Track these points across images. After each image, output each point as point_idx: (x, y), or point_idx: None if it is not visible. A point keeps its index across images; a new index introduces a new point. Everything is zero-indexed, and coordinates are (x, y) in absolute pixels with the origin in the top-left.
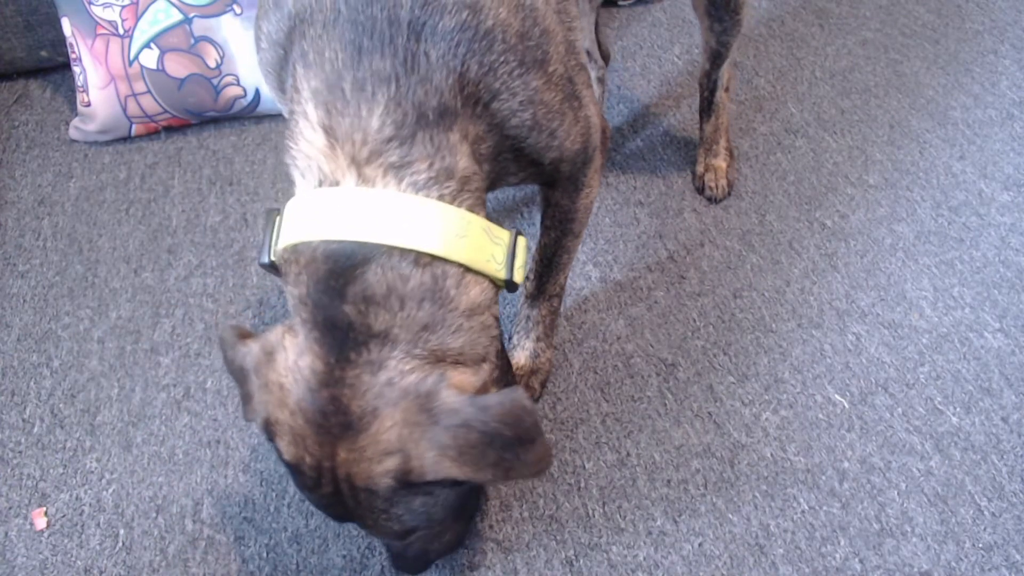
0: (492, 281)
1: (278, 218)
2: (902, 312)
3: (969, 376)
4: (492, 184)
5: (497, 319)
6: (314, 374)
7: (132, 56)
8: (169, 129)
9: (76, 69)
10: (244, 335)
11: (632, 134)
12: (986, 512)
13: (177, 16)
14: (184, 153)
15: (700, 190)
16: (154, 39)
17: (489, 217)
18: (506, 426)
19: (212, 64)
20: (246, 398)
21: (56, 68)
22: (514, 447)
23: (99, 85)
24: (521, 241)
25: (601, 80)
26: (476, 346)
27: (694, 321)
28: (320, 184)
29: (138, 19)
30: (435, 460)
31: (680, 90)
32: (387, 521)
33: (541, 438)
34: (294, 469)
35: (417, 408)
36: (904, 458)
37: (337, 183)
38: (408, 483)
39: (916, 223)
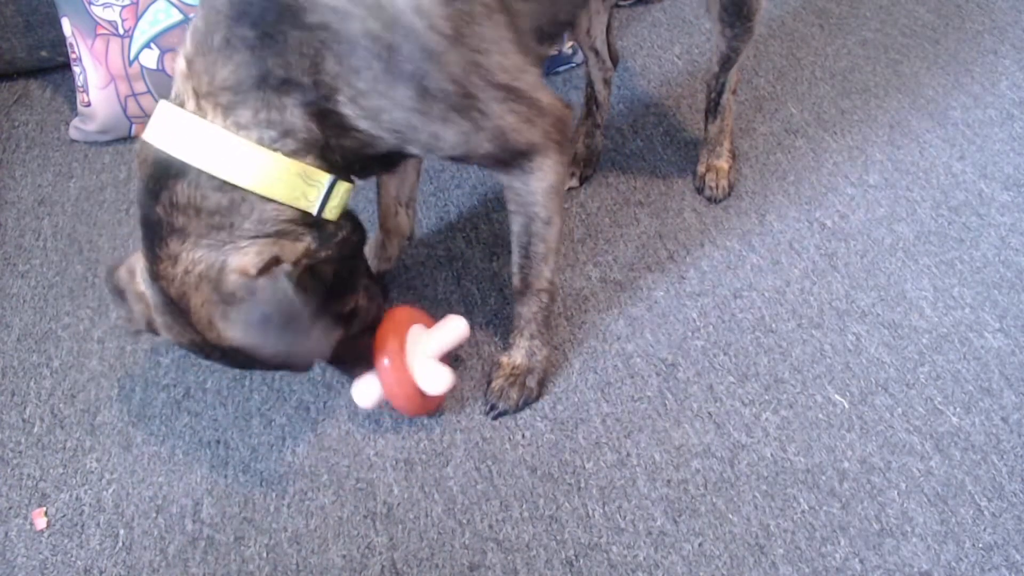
0: (297, 209)
1: None
2: (902, 312)
3: (969, 376)
4: (407, 156)
5: (309, 226)
6: (144, 272)
7: (132, 56)
8: None
9: (76, 69)
10: (117, 264)
11: (632, 134)
12: (986, 512)
13: (177, 16)
14: None
15: (700, 190)
16: (154, 39)
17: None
18: (272, 308)
19: None
20: (128, 318)
21: (56, 68)
22: (287, 330)
23: (99, 85)
24: (341, 185)
25: (608, 82)
26: (270, 240)
27: (694, 321)
28: (175, 99)
29: (138, 19)
30: (231, 334)
31: (680, 90)
32: (253, 366)
33: (316, 324)
34: (182, 348)
35: (211, 289)
36: (904, 458)
37: (183, 104)
38: (235, 350)
39: (916, 223)
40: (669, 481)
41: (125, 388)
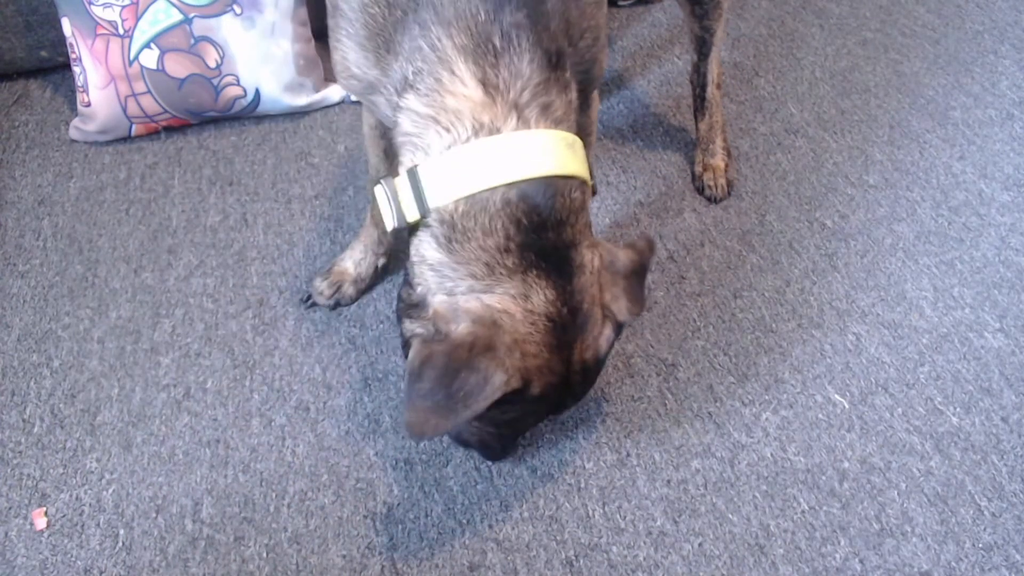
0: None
1: (405, 180)
2: (902, 312)
3: (969, 376)
4: None
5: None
6: (551, 303)
7: (132, 56)
8: (169, 129)
9: (76, 69)
10: (430, 338)
11: (632, 134)
12: (986, 512)
13: (177, 16)
14: (184, 153)
15: (700, 190)
16: (154, 39)
17: None
18: (643, 264)
19: (212, 64)
20: (478, 383)
21: (56, 68)
22: (643, 277)
23: (99, 85)
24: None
25: None
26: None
27: (694, 321)
28: (476, 135)
29: (138, 19)
30: (629, 306)
31: (680, 90)
32: (598, 375)
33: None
34: (536, 400)
35: (610, 274)
36: (904, 458)
37: (498, 130)
38: (619, 332)
39: (916, 223)
40: (669, 481)
41: (125, 388)
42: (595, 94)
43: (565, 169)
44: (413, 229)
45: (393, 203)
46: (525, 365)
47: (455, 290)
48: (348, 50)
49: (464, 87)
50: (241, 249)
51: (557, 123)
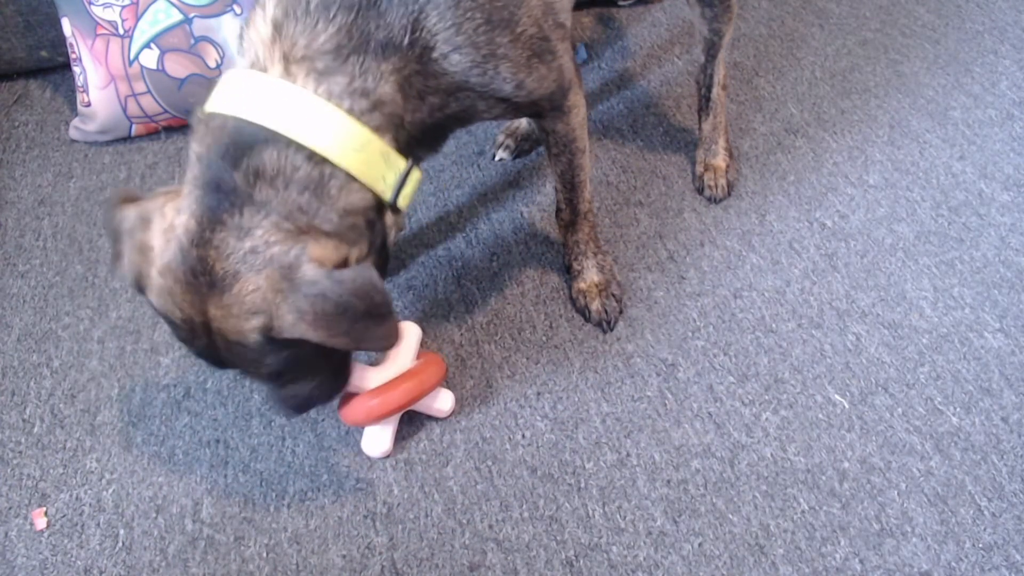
0: (376, 196)
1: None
2: (902, 312)
3: (969, 376)
4: (460, 118)
5: (371, 225)
6: (187, 233)
7: (132, 56)
8: (169, 129)
9: (76, 69)
10: (128, 199)
11: (632, 134)
12: (986, 512)
13: (177, 16)
14: (184, 153)
15: (700, 190)
16: (154, 39)
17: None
18: (358, 299)
19: (212, 64)
20: (116, 257)
21: (56, 68)
22: (364, 319)
23: (99, 85)
24: (415, 173)
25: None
26: (344, 239)
27: (694, 321)
28: (252, 66)
29: (138, 19)
30: (294, 322)
31: (680, 90)
32: (259, 367)
33: (391, 315)
34: (167, 321)
35: (280, 276)
36: (904, 458)
37: (265, 70)
38: (272, 339)
39: (916, 223)
40: (669, 481)
41: (125, 388)
42: (572, 101)
43: (298, 134)
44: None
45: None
46: (147, 271)
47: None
48: None
49: (262, 24)
50: None
51: (330, 95)
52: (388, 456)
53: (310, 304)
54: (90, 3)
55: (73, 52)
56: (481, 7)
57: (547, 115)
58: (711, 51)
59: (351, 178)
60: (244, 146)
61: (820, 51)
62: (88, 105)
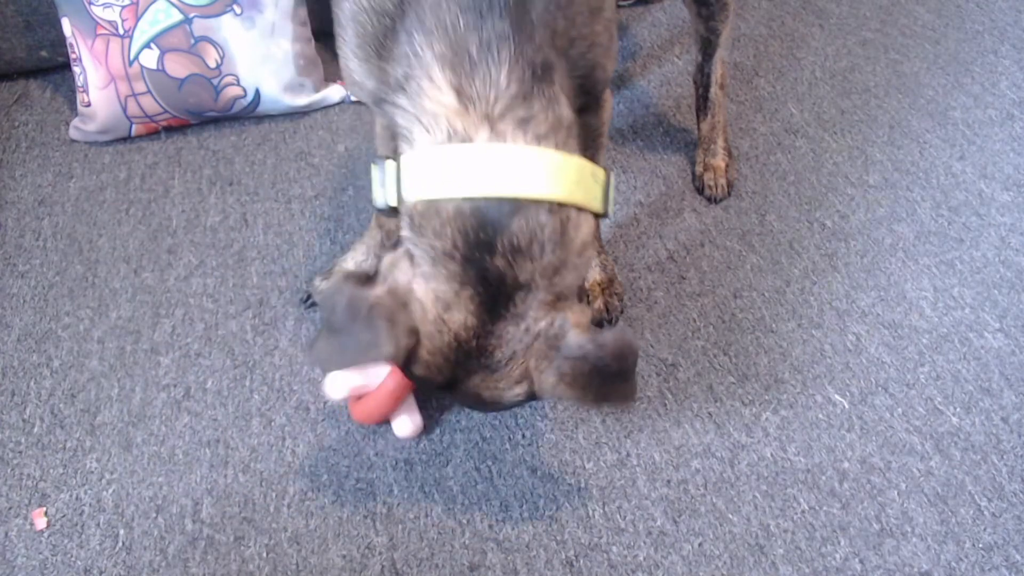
0: (595, 216)
1: (393, 167)
2: (902, 312)
3: (969, 376)
4: None
5: (597, 247)
6: (466, 329)
7: (132, 56)
8: (169, 129)
9: (76, 69)
10: (361, 279)
11: (632, 134)
12: (986, 512)
13: (177, 16)
14: (184, 153)
15: (700, 190)
16: (154, 39)
17: None
18: (615, 360)
19: (212, 64)
20: (375, 341)
21: (56, 68)
22: (615, 378)
23: (99, 85)
24: (612, 178)
25: None
26: (579, 279)
27: (694, 321)
28: (450, 139)
29: (138, 19)
30: (554, 384)
31: (680, 90)
32: (495, 412)
33: (635, 373)
34: (421, 381)
35: (547, 347)
36: (904, 458)
37: (470, 139)
38: (531, 398)
39: (916, 223)
40: (669, 481)
41: (125, 388)
42: (607, 95)
43: (535, 191)
44: (395, 211)
45: (382, 186)
46: (418, 352)
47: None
48: (346, 58)
49: (440, 94)
50: (241, 249)
51: (539, 139)
52: (422, 432)
53: (571, 367)
54: (90, 3)
55: (73, 52)
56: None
57: (590, 108)
58: (707, 50)
59: (579, 210)
60: (493, 225)
61: (820, 51)
62: (88, 105)
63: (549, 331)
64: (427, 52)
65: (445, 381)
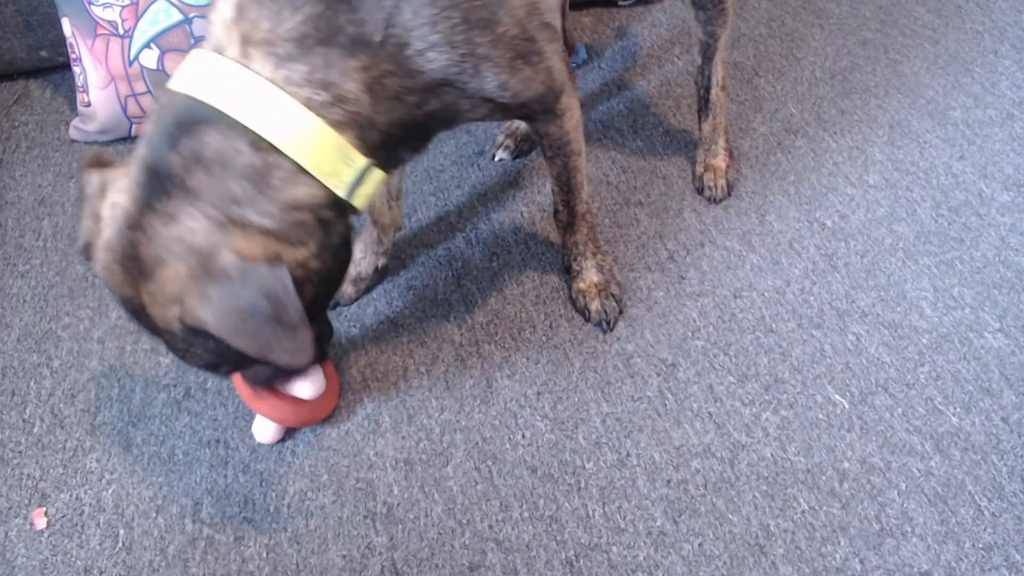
0: (329, 193)
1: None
2: (902, 312)
3: (969, 376)
4: (443, 118)
5: (325, 224)
6: (124, 214)
7: (132, 56)
8: None
9: (76, 69)
10: (100, 163)
11: (632, 134)
12: (986, 512)
13: (177, 16)
14: None
15: (700, 190)
16: (154, 39)
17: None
18: (266, 299)
19: None
20: (79, 220)
21: (56, 68)
22: (272, 325)
23: (99, 85)
24: (375, 173)
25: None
26: (287, 235)
27: (694, 321)
28: (212, 49)
29: (138, 19)
30: (205, 317)
31: (680, 90)
32: (192, 357)
33: (303, 328)
34: (114, 296)
35: (198, 264)
36: (904, 458)
37: (222, 51)
38: (194, 329)
39: (916, 223)
40: (669, 481)
41: (125, 388)
42: (565, 104)
43: (244, 116)
44: None
45: None
46: (95, 242)
47: None
48: None
49: (226, 8)
50: None
51: (289, 82)
52: (277, 442)
53: (220, 295)
54: (90, 3)
55: (73, 52)
56: (458, 6)
57: (539, 118)
58: (707, 53)
59: (299, 170)
60: (187, 125)
61: (820, 51)
62: (88, 105)
63: (203, 246)
64: None
65: (124, 296)
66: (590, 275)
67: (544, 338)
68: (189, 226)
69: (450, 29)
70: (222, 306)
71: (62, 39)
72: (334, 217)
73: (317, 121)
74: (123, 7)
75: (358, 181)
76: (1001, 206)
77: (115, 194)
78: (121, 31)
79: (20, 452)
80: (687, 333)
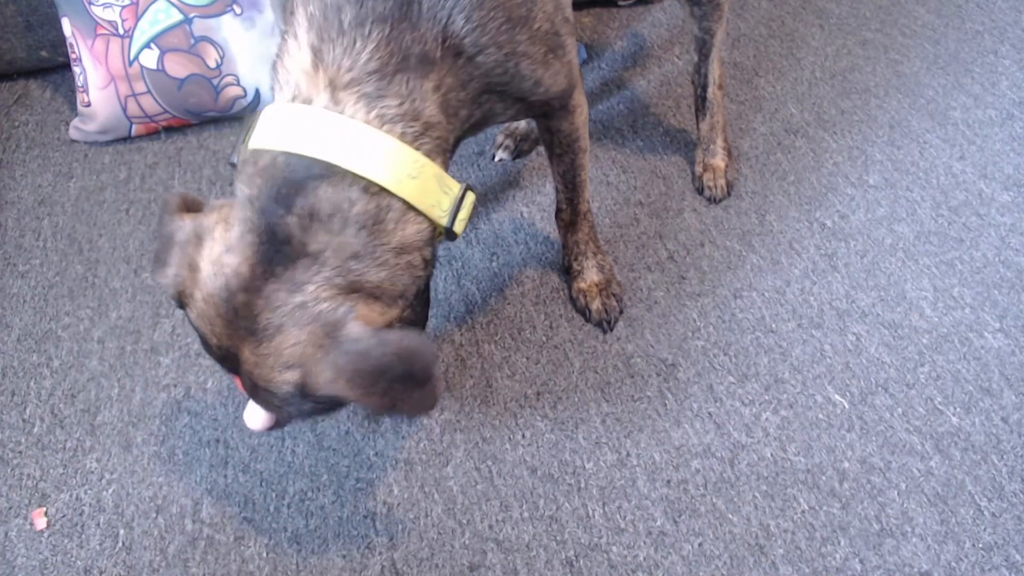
0: (433, 225)
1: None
2: (902, 312)
3: (969, 376)
4: (478, 125)
5: (427, 263)
6: (237, 276)
7: (132, 56)
8: (169, 129)
9: (76, 69)
10: (187, 207)
11: (632, 134)
12: (986, 512)
13: (177, 16)
14: (184, 153)
15: (700, 190)
16: (154, 39)
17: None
18: (400, 361)
19: (212, 64)
20: (160, 263)
21: (56, 68)
22: (404, 382)
23: (99, 85)
24: (470, 196)
25: None
26: (396, 283)
27: (694, 321)
28: (294, 99)
29: (138, 19)
30: (331, 379)
31: (680, 90)
32: (278, 409)
33: (432, 381)
34: (201, 337)
35: (323, 333)
36: (904, 458)
37: (310, 101)
38: (305, 393)
39: (916, 223)
40: (669, 481)
41: (125, 388)
42: (576, 101)
43: (353, 164)
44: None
45: (242, 142)
46: (191, 290)
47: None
48: (263, 83)
49: (300, 53)
50: None
51: (384, 120)
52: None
53: (350, 362)
54: (90, 3)
55: (73, 52)
56: (502, 5)
57: (555, 114)
58: (703, 50)
59: (408, 207)
60: (297, 184)
61: (820, 51)
62: (88, 105)
63: (329, 316)
64: (300, 11)
65: (219, 344)
66: (591, 275)
67: (544, 338)
68: (315, 295)
69: (496, 29)
70: (354, 369)
71: (62, 39)
72: (431, 255)
73: (417, 156)
74: (123, 7)
75: (457, 207)
76: (1001, 206)
77: (217, 248)
78: (121, 31)
79: (20, 452)
80: (687, 333)
